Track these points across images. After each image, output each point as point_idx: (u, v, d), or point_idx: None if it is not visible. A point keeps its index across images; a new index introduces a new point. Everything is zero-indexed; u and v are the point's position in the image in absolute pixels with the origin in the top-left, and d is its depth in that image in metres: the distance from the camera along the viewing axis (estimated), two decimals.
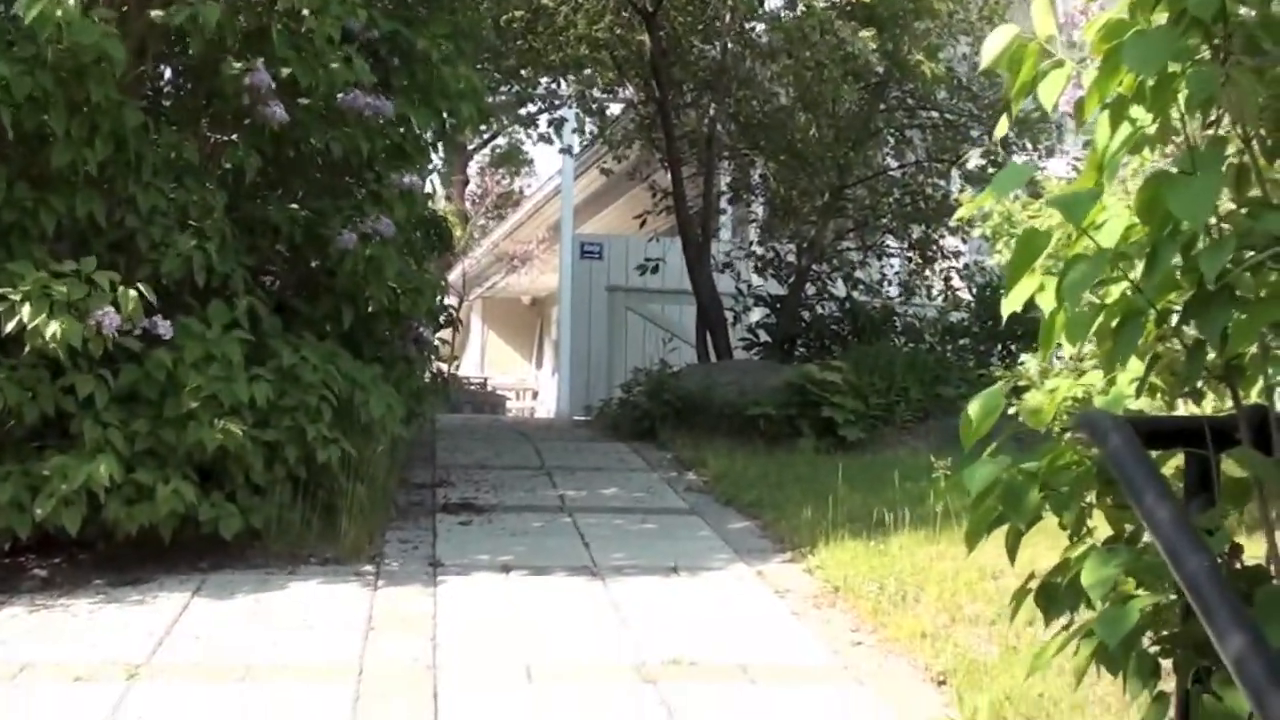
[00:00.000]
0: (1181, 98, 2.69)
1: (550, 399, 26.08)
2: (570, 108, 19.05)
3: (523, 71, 18.06)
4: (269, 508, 7.60)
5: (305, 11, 7.86)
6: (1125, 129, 2.81)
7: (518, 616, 6.50)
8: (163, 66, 8.99)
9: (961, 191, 15.01)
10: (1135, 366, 3.13)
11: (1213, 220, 2.68)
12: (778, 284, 17.49)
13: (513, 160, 37.67)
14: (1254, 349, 2.78)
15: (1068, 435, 3.09)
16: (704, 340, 16.85)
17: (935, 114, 16.98)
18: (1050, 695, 4.91)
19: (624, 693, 5.31)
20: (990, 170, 15.54)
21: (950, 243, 17.52)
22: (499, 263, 31.90)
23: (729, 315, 17.12)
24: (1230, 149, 2.79)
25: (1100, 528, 3.13)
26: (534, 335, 36.26)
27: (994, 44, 2.98)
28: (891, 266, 18.35)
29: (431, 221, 11.45)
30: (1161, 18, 2.68)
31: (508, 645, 5.95)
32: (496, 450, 12.87)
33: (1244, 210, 2.75)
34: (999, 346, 15.60)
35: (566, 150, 20.65)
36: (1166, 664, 2.92)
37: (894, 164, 17.80)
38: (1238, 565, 2.87)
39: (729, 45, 16.47)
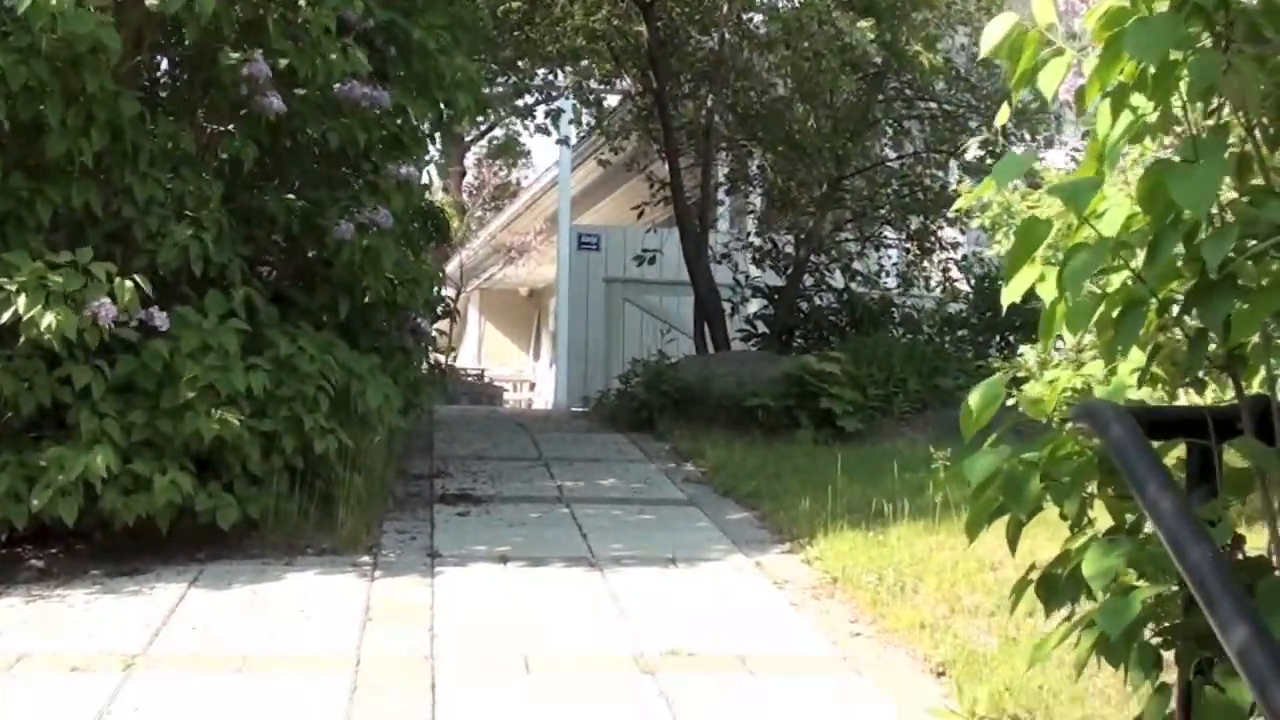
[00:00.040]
0: (1183, 85, 2.68)
1: (548, 390, 26.07)
2: (567, 99, 19.01)
3: (520, 63, 18.01)
4: (266, 498, 7.59)
5: (302, 2, 7.84)
6: (1126, 117, 2.80)
7: (516, 607, 6.49)
8: (159, 57, 8.97)
9: (960, 182, 14.97)
10: (1136, 356, 3.12)
11: (1214, 209, 2.66)
12: (775, 275, 17.45)
13: (510, 152, 37.63)
14: (1256, 338, 2.77)
15: (1069, 425, 3.08)
16: (702, 331, 16.82)
17: (933, 105, 16.94)
18: (1050, 687, 4.90)
19: (622, 683, 5.30)
20: (989, 161, 15.51)
21: (948, 234, 17.50)
22: (496, 254, 31.86)
23: (727, 306, 17.08)
24: (1232, 137, 2.78)
25: (1100, 519, 3.11)
26: (531, 327, 36.22)
27: (994, 32, 2.97)
28: (889, 258, 18.31)
29: (429, 212, 11.44)
30: (1163, 5, 2.67)
31: (506, 636, 5.94)
32: (494, 441, 12.84)
33: (1246, 199, 2.74)
34: (997, 338, 15.58)
35: (564, 141, 20.59)
36: (1168, 655, 2.91)
37: (892, 155, 17.76)
38: (1239, 556, 2.86)
39: (726, 36, 16.42)
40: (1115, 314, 2.82)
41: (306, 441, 7.55)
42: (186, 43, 8.11)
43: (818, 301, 17.40)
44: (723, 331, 16.67)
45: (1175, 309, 2.86)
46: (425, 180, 10.85)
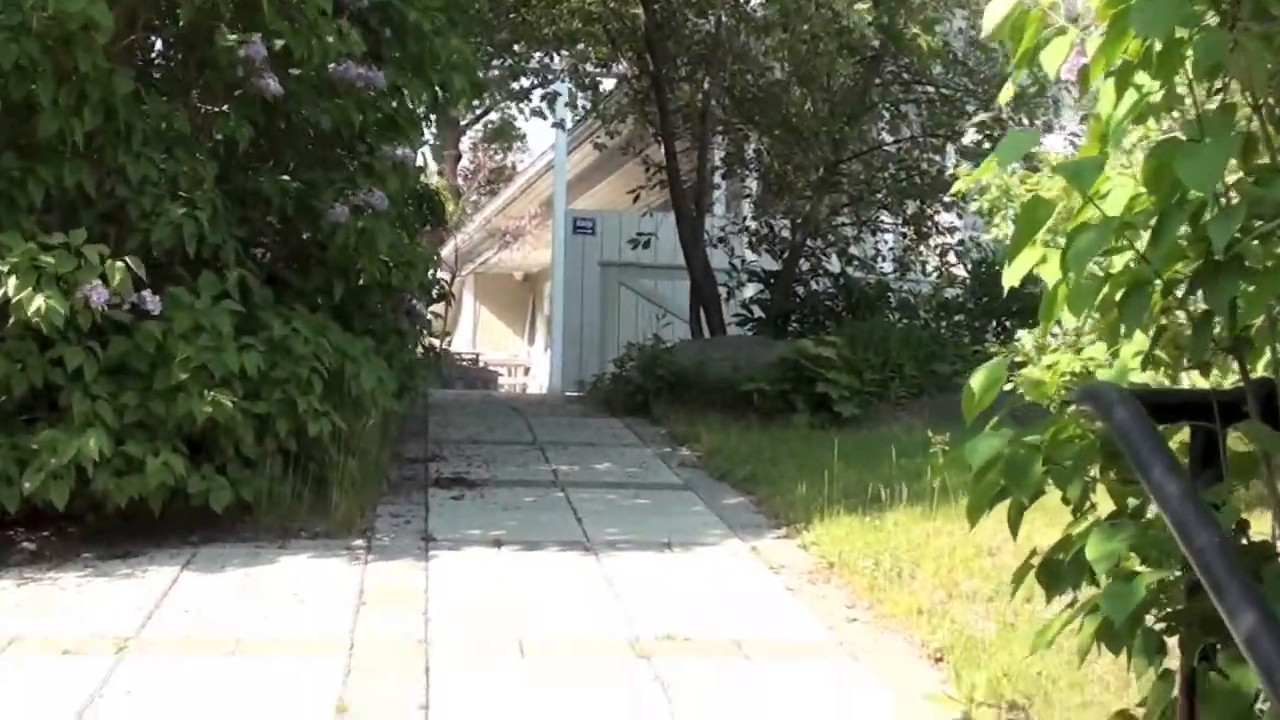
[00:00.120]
0: (1188, 64, 2.65)
1: (543, 375, 26.05)
2: (563, 82, 18.97)
3: (515, 45, 17.97)
4: (259, 481, 7.55)
5: None
6: (1130, 97, 2.77)
7: (510, 591, 6.46)
8: (154, 37, 8.91)
9: (957, 166, 14.94)
10: (1139, 339, 3.09)
11: (1219, 189, 2.63)
12: (772, 259, 17.42)
13: (505, 135, 37.53)
14: (1261, 320, 2.74)
15: (1071, 408, 3.04)
16: (697, 316, 16.80)
17: (931, 89, 16.92)
18: (1048, 673, 4.87)
19: (618, 668, 5.27)
20: (986, 145, 15.49)
21: (945, 219, 17.47)
22: (491, 238, 31.83)
23: (722, 291, 17.06)
24: (1237, 117, 2.75)
25: (1102, 504, 3.08)
26: (526, 311, 36.20)
27: (995, 11, 2.94)
28: (886, 242, 18.29)
29: (424, 195, 11.41)
30: None
31: (500, 620, 5.91)
32: (489, 425, 12.81)
33: (1252, 179, 2.70)
34: (994, 323, 15.57)
35: (560, 125, 20.54)
36: (1170, 641, 2.88)
37: (889, 139, 17.74)
38: (1244, 541, 2.83)
39: (723, 19, 16.39)
40: (1119, 295, 2.79)
41: (300, 424, 7.51)
42: (181, 22, 8.04)
43: (814, 286, 17.37)
44: (718, 316, 16.65)
45: (1180, 291, 2.83)
46: (420, 162, 10.78)
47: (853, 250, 17.49)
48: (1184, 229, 2.67)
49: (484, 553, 7.24)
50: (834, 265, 17.40)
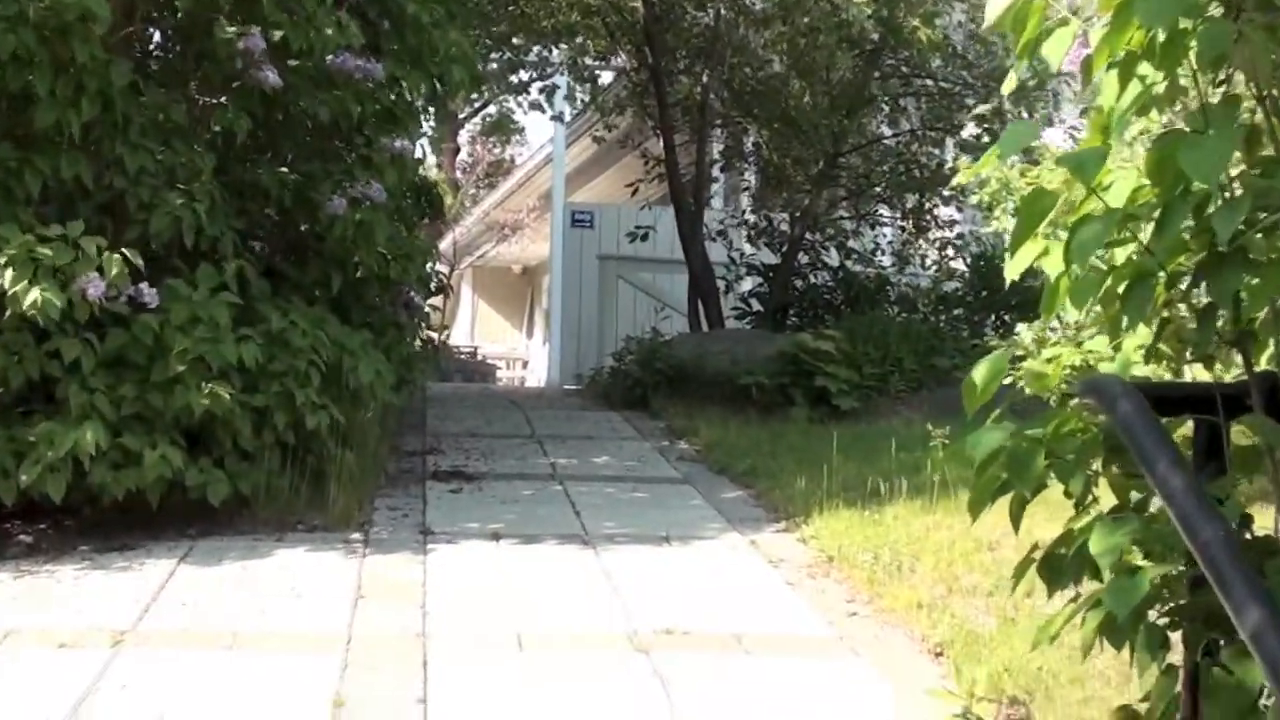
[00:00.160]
0: (1192, 55, 2.62)
1: (541, 368, 26.04)
2: (562, 75, 18.94)
3: (514, 38, 17.94)
4: (257, 474, 7.53)
5: None
6: (1134, 88, 2.75)
7: (508, 585, 6.44)
8: (152, 29, 8.89)
9: (956, 160, 14.93)
10: (1141, 332, 3.07)
11: (1223, 181, 2.61)
12: (770, 253, 17.39)
13: (504, 129, 37.50)
14: (1265, 313, 2.72)
15: (1074, 401, 3.02)
16: (696, 309, 16.78)
17: (930, 82, 16.88)
18: (1049, 668, 4.85)
19: (617, 663, 5.26)
20: (985, 139, 15.47)
21: (945, 212, 17.45)
22: (490, 232, 31.80)
23: (721, 284, 17.06)
24: (1242, 108, 2.73)
25: (1103, 498, 3.06)
26: (525, 304, 36.19)
27: (998, 2, 2.91)
28: (885, 236, 18.27)
29: (422, 187, 11.38)
30: None
31: (498, 614, 5.90)
32: (487, 418, 12.81)
33: (1256, 171, 2.68)
34: (993, 317, 15.56)
35: (558, 118, 20.52)
36: (1173, 636, 2.86)
37: (888, 132, 17.72)
38: (1247, 536, 2.81)
39: (722, 11, 16.36)
40: (1122, 288, 2.77)
41: (298, 417, 7.50)
42: (180, 14, 8.02)
43: (813, 280, 17.36)
44: (717, 309, 16.63)
45: (1183, 284, 2.81)
46: (419, 155, 10.76)
47: (852, 244, 17.46)
48: (1188, 221, 2.65)
49: (482, 546, 7.22)
50: (833, 259, 17.38)
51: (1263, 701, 2.60)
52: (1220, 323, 2.79)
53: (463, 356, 28.06)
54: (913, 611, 5.88)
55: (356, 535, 7.38)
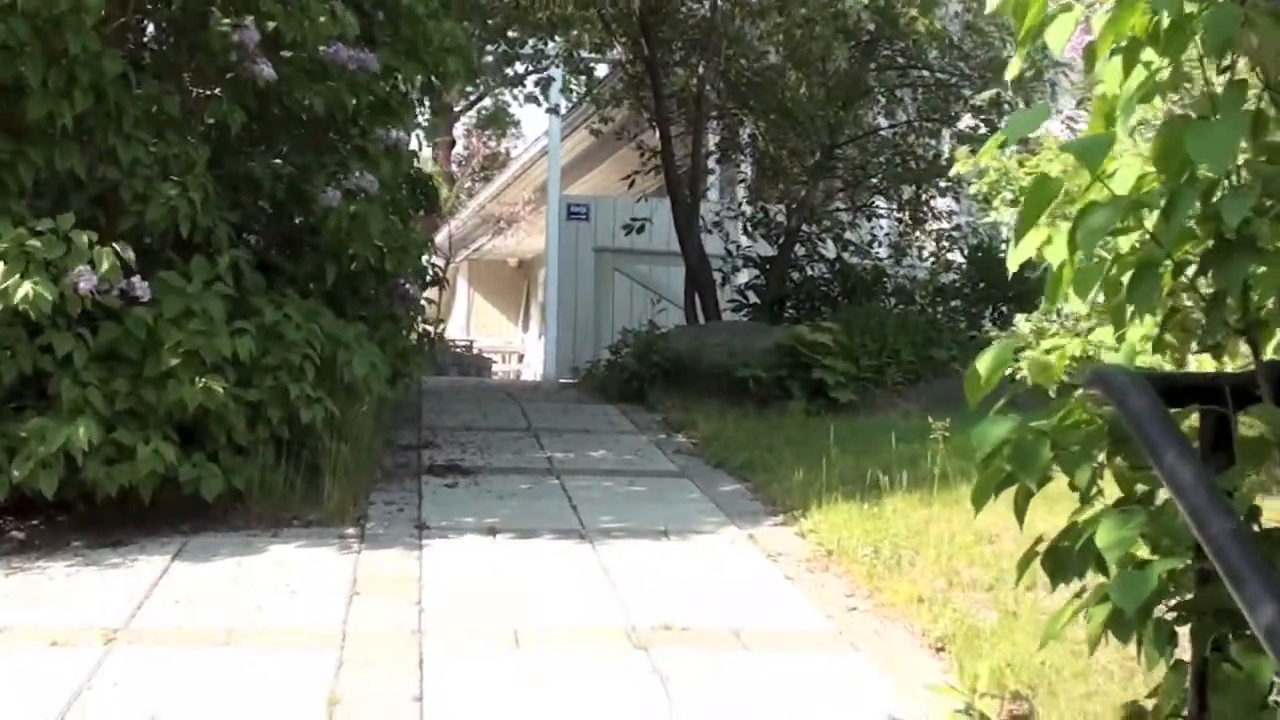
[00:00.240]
0: (1198, 40, 2.58)
1: (537, 361, 26.02)
2: (557, 67, 18.91)
3: (509, 31, 17.89)
4: (251, 469, 7.49)
5: None
6: (1138, 74, 2.71)
7: (505, 580, 6.40)
8: (146, 21, 8.84)
9: (953, 151, 14.88)
10: (1147, 321, 3.03)
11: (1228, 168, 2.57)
12: (767, 245, 17.37)
13: (499, 122, 37.53)
14: (1273, 302, 2.68)
15: (1079, 392, 2.97)
16: (692, 301, 16.75)
17: (926, 73, 16.86)
18: (1052, 663, 4.81)
19: (615, 659, 5.21)
20: (982, 130, 15.45)
21: (941, 204, 17.43)
22: (485, 225, 31.77)
23: (717, 276, 17.04)
24: (1248, 94, 2.69)
25: (1107, 490, 3.02)
26: (520, 298, 36.17)
27: None
28: (882, 227, 18.25)
29: (417, 180, 11.32)
30: None
31: (495, 610, 5.85)
32: (483, 412, 12.77)
33: (1263, 158, 2.64)
34: (990, 308, 15.53)
35: (554, 110, 20.49)
36: (1181, 631, 2.81)
37: (884, 124, 17.70)
38: (1255, 528, 2.76)
39: (718, 3, 16.32)
40: (1128, 277, 2.72)
41: (292, 411, 7.46)
42: (174, 6, 7.98)
43: (809, 271, 17.34)
44: (713, 301, 16.61)
45: (1190, 272, 2.76)
46: (414, 147, 10.71)
47: (848, 235, 17.44)
48: (1195, 208, 2.60)
49: (478, 541, 7.17)
50: (829, 250, 17.36)
51: (1273, 697, 2.56)
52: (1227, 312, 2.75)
53: (458, 350, 28.04)
54: (913, 606, 5.84)
55: (351, 530, 7.34)
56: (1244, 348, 2.82)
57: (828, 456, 8.53)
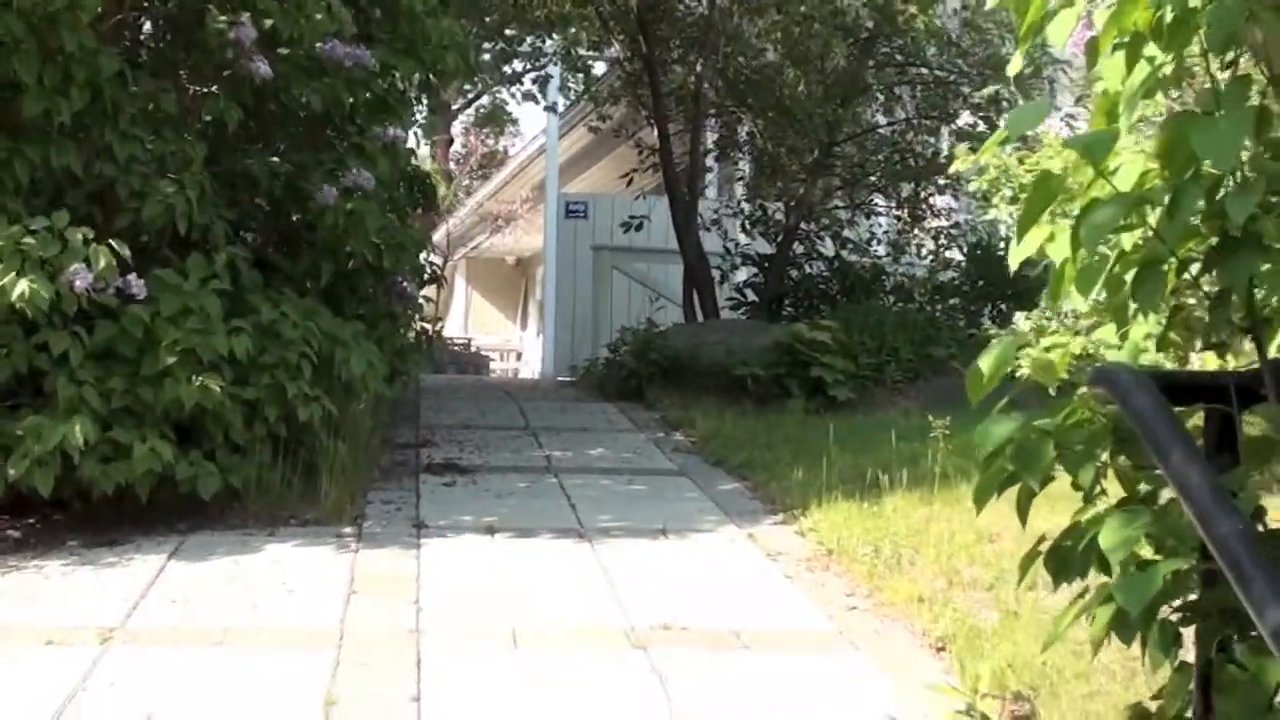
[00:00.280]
0: (1201, 34, 2.56)
1: (535, 360, 26.00)
2: (555, 65, 18.89)
3: (507, 29, 17.87)
4: (248, 467, 7.47)
5: None
6: (1141, 69, 2.69)
7: (503, 579, 6.38)
8: (142, 18, 8.83)
9: (952, 149, 14.86)
10: (1150, 319, 3.01)
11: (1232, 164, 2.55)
12: (765, 243, 17.33)
13: (497, 119, 37.45)
14: (1278, 299, 2.66)
15: (1083, 390, 2.95)
16: (690, 299, 16.73)
17: (925, 71, 16.83)
18: (1054, 663, 4.78)
19: (614, 659, 5.19)
20: (981, 128, 15.44)
21: (940, 201, 17.40)
22: (483, 223, 31.79)
23: (716, 274, 17.00)
24: (1253, 90, 2.67)
25: (1110, 490, 2.99)
26: (518, 296, 36.17)
27: None
28: (880, 225, 18.22)
29: (415, 177, 11.30)
30: None
31: (493, 609, 5.83)
32: (481, 410, 12.75)
33: (1268, 154, 2.62)
34: (989, 306, 15.51)
35: (551, 108, 20.47)
36: (1185, 632, 2.79)
37: (883, 121, 17.67)
38: (1260, 528, 2.74)
39: (716, 1, 16.29)
40: (1132, 275, 2.70)
41: (290, 409, 7.44)
42: (170, 3, 7.96)
43: (808, 269, 17.29)
44: (712, 299, 16.58)
45: (1194, 269, 2.74)
46: (412, 144, 10.69)
47: (847, 233, 17.40)
48: (1200, 204, 2.58)
49: (476, 540, 7.15)
50: (828, 248, 17.32)
51: (1279, 699, 2.54)
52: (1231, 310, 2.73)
53: (456, 348, 28.01)
54: (913, 605, 5.82)
55: (349, 529, 7.32)
56: (1249, 346, 2.80)
57: (827, 455, 8.51)
